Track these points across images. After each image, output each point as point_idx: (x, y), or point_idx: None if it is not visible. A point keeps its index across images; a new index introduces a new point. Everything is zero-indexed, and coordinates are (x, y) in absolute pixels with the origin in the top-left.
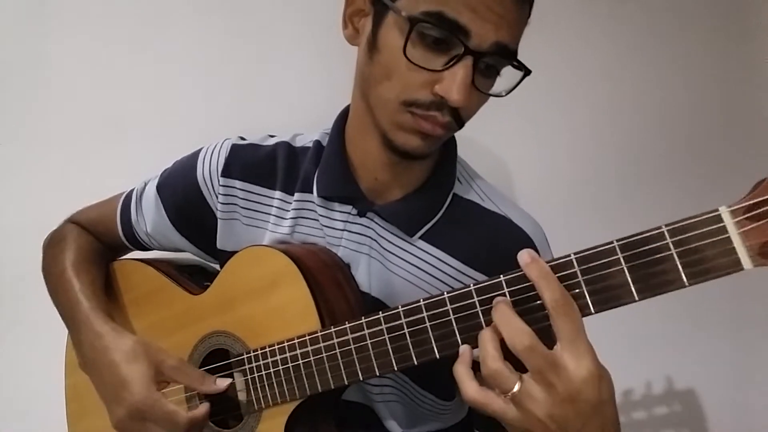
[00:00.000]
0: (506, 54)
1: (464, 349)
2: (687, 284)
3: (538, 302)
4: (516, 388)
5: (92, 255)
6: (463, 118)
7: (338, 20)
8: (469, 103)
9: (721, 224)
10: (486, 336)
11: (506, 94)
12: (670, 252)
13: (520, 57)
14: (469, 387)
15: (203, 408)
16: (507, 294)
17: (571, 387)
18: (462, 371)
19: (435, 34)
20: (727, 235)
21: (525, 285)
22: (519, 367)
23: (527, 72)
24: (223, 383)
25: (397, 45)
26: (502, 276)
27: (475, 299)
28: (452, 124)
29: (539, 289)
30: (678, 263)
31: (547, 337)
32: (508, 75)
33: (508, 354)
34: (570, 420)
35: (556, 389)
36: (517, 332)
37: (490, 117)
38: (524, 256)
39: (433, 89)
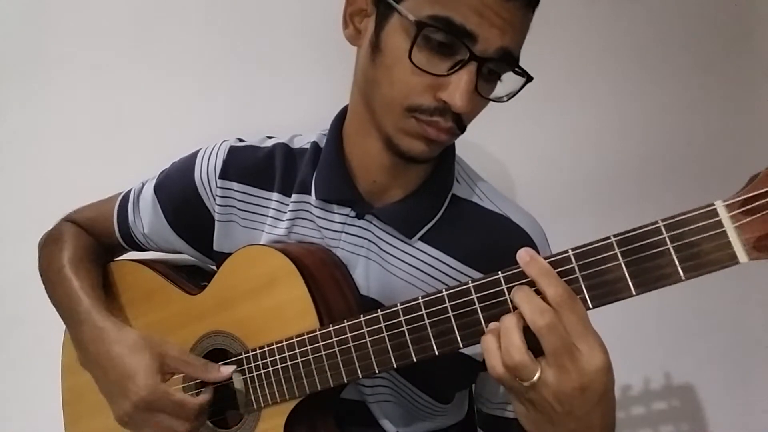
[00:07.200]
0: (509, 60)
1: (494, 325)
2: (683, 278)
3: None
4: (536, 377)
5: (90, 253)
6: (465, 122)
7: (338, 20)
8: (472, 109)
9: (717, 218)
10: (510, 323)
11: (507, 100)
12: (666, 247)
13: (523, 57)
14: (496, 363)
15: (208, 394)
16: (505, 291)
17: (584, 377)
18: (491, 343)
19: (441, 39)
20: (722, 230)
21: (526, 281)
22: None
23: (529, 78)
24: (227, 370)
25: (402, 48)
26: (500, 272)
27: (474, 296)
28: (455, 129)
29: (541, 288)
30: (674, 258)
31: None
32: (508, 80)
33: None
34: (576, 405)
35: (569, 375)
36: (539, 310)
37: (491, 118)
38: (523, 255)
39: (437, 95)
